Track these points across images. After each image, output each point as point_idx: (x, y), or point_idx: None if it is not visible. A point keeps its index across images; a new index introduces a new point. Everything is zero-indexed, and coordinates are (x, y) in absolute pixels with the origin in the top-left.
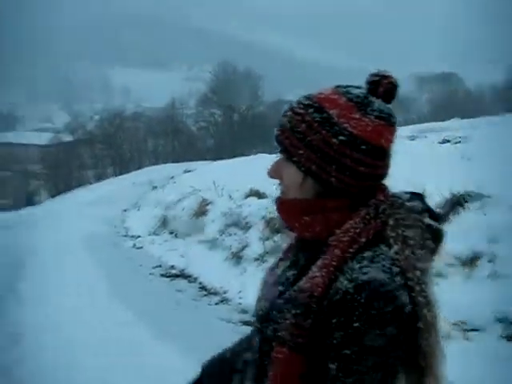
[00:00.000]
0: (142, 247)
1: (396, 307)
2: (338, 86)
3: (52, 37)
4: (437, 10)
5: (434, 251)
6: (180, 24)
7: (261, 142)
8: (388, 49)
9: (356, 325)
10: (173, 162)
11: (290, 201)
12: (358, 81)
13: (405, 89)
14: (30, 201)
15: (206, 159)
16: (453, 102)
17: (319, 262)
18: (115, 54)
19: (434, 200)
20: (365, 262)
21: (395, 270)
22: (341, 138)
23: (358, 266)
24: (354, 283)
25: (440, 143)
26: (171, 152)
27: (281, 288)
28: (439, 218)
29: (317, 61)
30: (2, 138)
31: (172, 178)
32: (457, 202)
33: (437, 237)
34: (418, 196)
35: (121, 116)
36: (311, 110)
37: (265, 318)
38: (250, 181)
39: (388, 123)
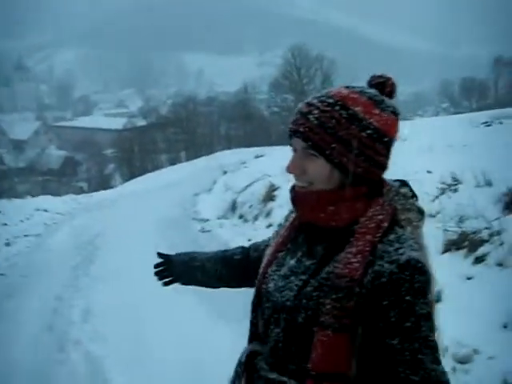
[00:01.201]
0: (210, 230)
1: (430, 277)
2: (348, 87)
3: (129, 24)
4: None
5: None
6: (251, 9)
7: None
8: (459, 30)
9: (407, 298)
10: (245, 146)
11: (317, 192)
12: (425, 62)
13: (483, 73)
14: (105, 184)
15: (278, 144)
16: None
17: (352, 249)
18: (190, 40)
19: (500, 188)
20: (396, 245)
21: (417, 246)
22: (368, 131)
23: (391, 248)
24: (395, 264)
25: None
26: (243, 137)
27: (303, 277)
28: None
29: (389, 43)
30: (79, 122)
31: (243, 163)
32: None
33: (422, 217)
34: (403, 182)
35: (194, 101)
36: (337, 108)
37: (293, 307)
38: None
39: (398, 117)
